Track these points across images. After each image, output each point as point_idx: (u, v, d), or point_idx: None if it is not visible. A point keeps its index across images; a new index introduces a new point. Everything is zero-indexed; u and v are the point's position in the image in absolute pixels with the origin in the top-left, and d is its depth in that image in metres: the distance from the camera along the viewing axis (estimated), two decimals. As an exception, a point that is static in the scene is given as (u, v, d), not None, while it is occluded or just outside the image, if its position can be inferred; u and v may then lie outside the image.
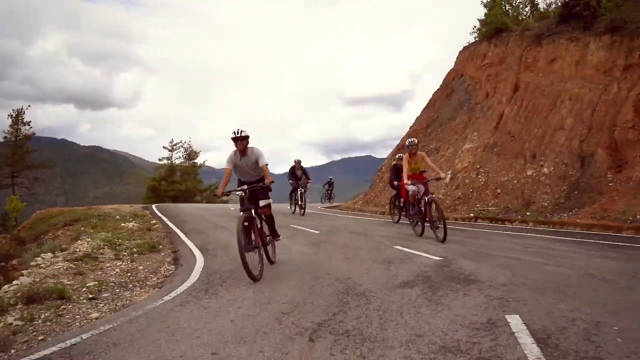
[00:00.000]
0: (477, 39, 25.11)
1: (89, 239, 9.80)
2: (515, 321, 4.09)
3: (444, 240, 8.73)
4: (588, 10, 17.26)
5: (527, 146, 16.11)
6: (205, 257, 8.19)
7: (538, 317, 4.21)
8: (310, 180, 16.55)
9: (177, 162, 39.83)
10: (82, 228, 11.82)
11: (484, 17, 24.90)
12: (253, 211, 6.32)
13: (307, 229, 11.97)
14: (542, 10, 24.24)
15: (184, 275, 6.93)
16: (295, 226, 12.61)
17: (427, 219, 9.28)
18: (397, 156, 14.23)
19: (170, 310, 4.96)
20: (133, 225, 12.49)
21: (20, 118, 38.49)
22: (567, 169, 14.39)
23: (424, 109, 24.90)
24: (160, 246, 9.76)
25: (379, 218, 16.80)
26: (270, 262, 6.98)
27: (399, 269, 6.68)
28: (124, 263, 8.00)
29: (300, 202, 16.28)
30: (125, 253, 8.66)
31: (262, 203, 6.58)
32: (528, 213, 13.79)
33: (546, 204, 13.94)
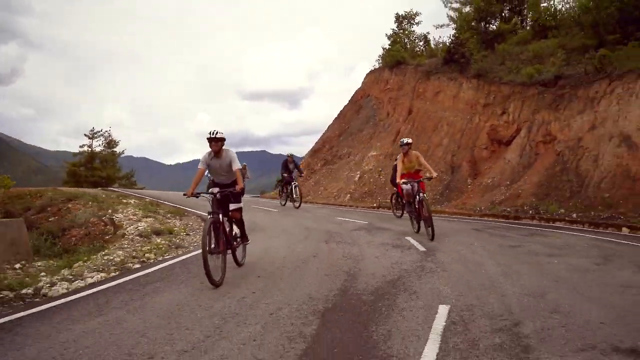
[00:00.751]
0: (381, 65, 31.16)
1: (130, 209, 13.45)
2: (409, 238, 9.22)
3: (432, 239, 9.14)
4: (463, 58, 23.72)
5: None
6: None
7: (417, 237, 9.38)
8: (302, 174, 17.44)
9: (98, 149, 41.25)
10: (96, 203, 15.08)
11: (388, 47, 31.10)
12: (221, 215, 6.27)
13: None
14: (432, 47, 30.95)
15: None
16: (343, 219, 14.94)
17: (421, 216, 9.68)
18: (398, 156, 15.98)
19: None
20: (135, 202, 15.97)
21: None
22: (442, 175, 20.41)
23: (336, 119, 30.30)
24: (185, 213, 13.72)
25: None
26: (238, 264, 6.97)
27: (349, 224, 11.62)
28: (177, 220, 12.03)
29: (295, 196, 16.73)
30: (169, 215, 12.60)
31: (232, 207, 6.60)
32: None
33: (429, 196, 19.79)
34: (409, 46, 31.35)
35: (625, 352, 3.72)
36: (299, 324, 4.46)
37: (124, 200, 16.24)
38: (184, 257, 7.98)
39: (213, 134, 6.31)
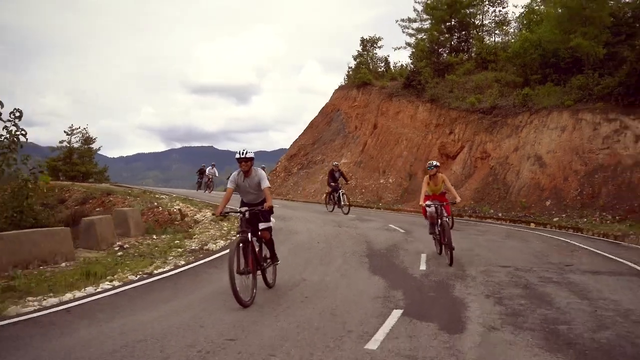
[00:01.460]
0: (346, 82, 36.38)
1: (177, 202, 17.70)
2: (391, 225, 14.29)
3: (450, 263, 8.93)
4: (420, 85, 29.18)
5: (380, 165, 27.27)
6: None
7: (397, 223, 14.46)
8: (348, 182, 18.81)
9: (75, 145, 44.01)
10: (132, 197, 19.13)
11: (354, 66, 36.37)
12: (250, 234, 6.25)
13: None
14: (392, 69, 36.42)
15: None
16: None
17: (441, 240, 9.57)
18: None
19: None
20: (165, 196, 20.09)
21: None
22: (402, 181, 25.72)
23: (308, 127, 35.19)
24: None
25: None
26: (268, 286, 6.87)
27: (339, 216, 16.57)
28: None
29: (342, 202, 17.70)
30: (210, 208, 16.71)
31: (262, 226, 6.57)
32: (380, 204, 24.69)
33: (390, 199, 25.07)
34: (371, 67, 36.73)
35: (504, 267, 8.86)
36: (360, 258, 9.36)
37: (156, 195, 20.41)
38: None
39: (243, 154, 6.36)
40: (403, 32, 37.75)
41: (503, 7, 35.43)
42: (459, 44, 36.18)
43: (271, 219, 6.82)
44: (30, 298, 6.31)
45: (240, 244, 6.03)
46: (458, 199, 10.05)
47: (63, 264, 8.90)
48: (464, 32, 36.11)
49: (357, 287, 7.08)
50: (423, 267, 8.74)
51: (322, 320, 5.33)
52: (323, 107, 35.64)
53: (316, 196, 27.04)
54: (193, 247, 10.28)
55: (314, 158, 30.55)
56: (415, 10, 36.43)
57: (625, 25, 24.76)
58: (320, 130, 33.19)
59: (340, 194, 17.79)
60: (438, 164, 10.47)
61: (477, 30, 36.28)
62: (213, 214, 8.48)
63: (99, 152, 46.11)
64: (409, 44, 37.65)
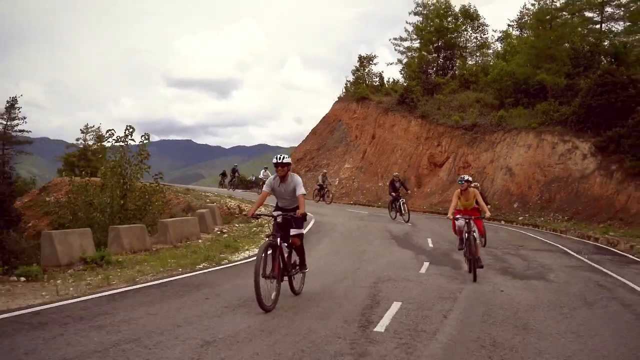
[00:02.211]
0: (344, 94, 41.67)
1: (228, 199, 22.64)
2: (400, 219, 19.63)
3: (474, 279, 8.92)
4: (412, 102, 34.62)
5: (378, 170, 32.60)
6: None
7: (406, 217, 19.83)
8: (408, 191, 20.26)
9: (90, 142, 48.34)
10: (188, 196, 23.97)
11: (353, 80, 41.68)
12: (279, 239, 6.34)
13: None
14: (386, 85, 41.84)
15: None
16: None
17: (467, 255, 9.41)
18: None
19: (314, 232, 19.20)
20: (210, 194, 24.95)
21: None
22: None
23: (311, 134, 40.36)
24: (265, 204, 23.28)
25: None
26: (294, 292, 6.94)
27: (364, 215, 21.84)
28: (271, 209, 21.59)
29: (403, 211, 18.90)
30: None
31: (293, 232, 6.64)
32: (379, 203, 30.04)
33: (388, 199, 30.43)
34: (368, 82, 42.08)
35: (482, 247, 14.25)
36: (389, 240, 14.64)
37: (203, 194, 25.32)
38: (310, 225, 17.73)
39: (280, 159, 6.45)
40: (395, 49, 43.49)
41: (483, 34, 41.49)
42: (445, 62, 41.92)
43: (303, 225, 6.89)
44: (222, 256, 11.38)
45: (269, 249, 6.14)
46: (487, 214, 9.88)
47: (199, 241, 13.94)
48: (449, 52, 41.86)
49: (397, 254, 12.31)
50: (431, 245, 14.04)
51: (390, 267, 10.47)
52: (325, 117, 40.87)
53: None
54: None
55: (319, 162, 35.74)
56: (406, 30, 42.11)
57: (583, 58, 30.60)
58: (324, 137, 38.40)
59: (401, 203, 19.16)
60: (470, 178, 10.08)
61: (461, 51, 42.04)
62: (245, 215, 7.05)
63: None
64: (400, 61, 43.34)
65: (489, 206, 15.30)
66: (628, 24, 35.12)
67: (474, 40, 41.93)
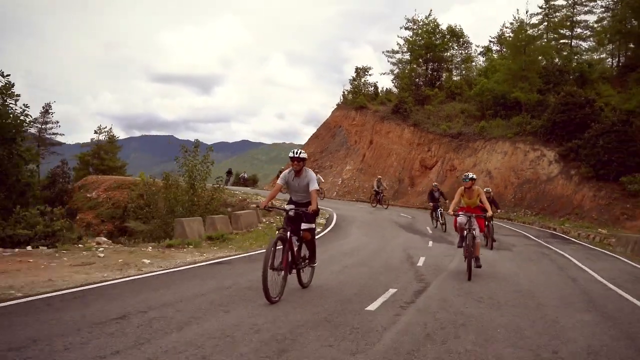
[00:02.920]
0: (343, 102, 46.81)
1: (257, 196, 27.56)
2: (403, 214, 24.88)
3: (469, 278, 8.96)
4: (405, 111, 39.89)
5: (377, 172, 37.80)
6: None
7: (403, 213, 25.06)
8: (447, 200, 20.10)
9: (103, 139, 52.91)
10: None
11: (351, 89, 46.83)
12: (289, 233, 6.58)
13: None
14: (380, 94, 47.07)
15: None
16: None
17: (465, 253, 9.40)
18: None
19: (333, 229, 24.29)
20: (237, 192, 29.77)
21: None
22: (393, 184, 36.33)
23: (314, 137, 45.37)
24: None
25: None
26: (302, 286, 7.20)
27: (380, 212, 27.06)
28: None
29: (442, 221, 19.65)
30: None
31: (304, 226, 6.87)
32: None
33: (386, 197, 35.70)
34: (364, 91, 47.25)
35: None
36: (399, 228, 19.80)
37: (229, 191, 30.15)
38: (326, 230, 22.83)
39: (296, 154, 6.74)
40: (388, 61, 48.85)
41: (467, 51, 47.07)
42: (433, 73, 47.35)
43: (316, 220, 7.13)
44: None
45: (278, 242, 6.31)
46: (489, 213, 9.75)
47: (259, 227, 18.90)
48: (436, 64, 47.29)
49: (408, 236, 17.40)
50: (430, 231, 19.19)
51: (408, 243, 15.57)
52: (325, 122, 45.97)
53: (327, 194, 37.32)
54: (319, 220, 20.56)
55: (323, 164, 40.79)
56: (398, 44, 47.49)
57: (553, 76, 36.20)
58: (326, 141, 43.48)
59: (439, 213, 19.93)
60: (474, 176, 10.03)
61: (447, 64, 47.49)
62: (257, 206, 9.14)
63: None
64: (392, 71, 48.70)
65: (500, 211, 17.93)
66: (592, 43, 41.14)
67: (459, 54, 47.50)
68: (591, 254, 15.28)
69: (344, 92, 48.24)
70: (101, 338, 4.60)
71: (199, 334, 4.87)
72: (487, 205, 9.84)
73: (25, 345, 4.27)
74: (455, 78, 46.35)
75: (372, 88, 47.88)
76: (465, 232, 9.46)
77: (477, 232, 9.46)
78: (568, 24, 42.30)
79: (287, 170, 7.02)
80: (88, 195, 33.63)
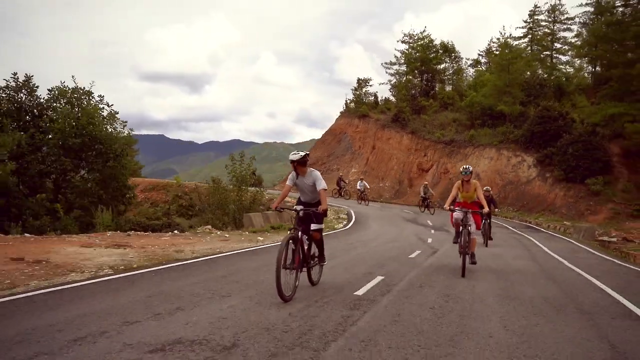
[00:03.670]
0: (346, 110, 52.28)
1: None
2: (406, 210, 30.42)
3: (462, 274, 9.10)
4: (403, 120, 45.42)
5: (379, 174, 43.29)
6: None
7: (406, 210, 30.60)
8: (497, 209, 23.91)
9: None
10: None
11: (353, 99, 52.34)
12: (300, 232, 6.79)
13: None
14: (380, 104, 52.60)
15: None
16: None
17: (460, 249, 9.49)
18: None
19: (350, 227, 29.75)
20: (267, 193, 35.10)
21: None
22: (394, 185, 41.80)
23: (320, 142, 50.75)
24: None
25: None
26: (312, 283, 7.47)
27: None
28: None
29: (430, 211, 29.58)
30: None
31: (313, 227, 7.10)
32: (381, 200, 40.71)
33: (387, 196, 41.19)
34: (365, 100, 52.78)
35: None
36: (405, 221, 25.29)
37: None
38: (347, 227, 28.26)
39: (294, 157, 6.94)
40: (386, 72, 54.45)
41: (458, 63, 52.79)
42: (427, 84, 52.95)
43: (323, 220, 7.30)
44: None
45: (290, 241, 6.54)
46: (486, 209, 9.78)
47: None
48: (430, 75, 52.92)
49: (415, 227, 22.83)
50: (431, 223, 24.67)
51: (417, 231, 21.07)
52: (331, 129, 51.43)
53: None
54: (341, 216, 25.98)
55: (330, 167, 46.20)
56: (395, 56, 53.06)
57: (534, 88, 41.93)
58: (332, 146, 48.90)
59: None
60: (472, 169, 10.15)
61: (440, 76, 53.15)
62: (269, 208, 8.28)
63: None
64: (389, 81, 54.29)
65: (497, 209, 23.47)
66: (568, 58, 47.00)
67: (451, 67, 53.20)
68: (550, 238, 20.86)
69: (346, 101, 53.87)
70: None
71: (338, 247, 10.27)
72: (484, 202, 9.82)
73: (230, 273, 9.24)
74: (447, 88, 52.05)
75: (373, 97, 53.49)
76: (461, 227, 9.50)
77: (472, 228, 9.50)
78: (549, 39, 48.09)
79: (293, 172, 7.22)
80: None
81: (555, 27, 47.98)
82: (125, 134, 22.10)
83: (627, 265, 13.61)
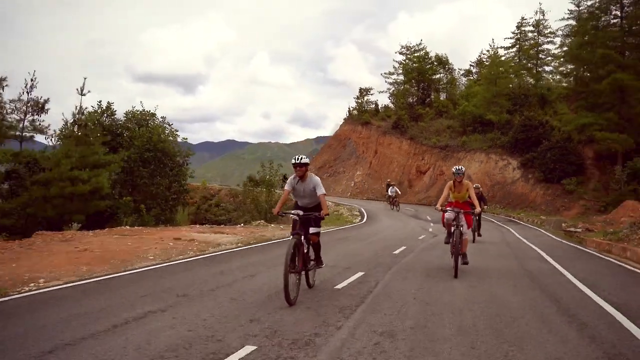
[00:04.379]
0: (350, 117, 57.83)
1: None
2: (408, 208, 36.01)
3: (455, 275, 9.09)
4: (403, 127, 50.97)
5: (381, 176, 48.77)
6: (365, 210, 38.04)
7: (407, 207, 36.17)
8: (486, 206, 21.05)
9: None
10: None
11: (356, 107, 57.92)
12: (302, 237, 7.00)
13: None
14: (381, 111, 58.15)
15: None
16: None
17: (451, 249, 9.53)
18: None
19: (362, 224, 35.24)
20: None
21: None
22: (397, 186, 47.37)
23: (326, 147, 56.25)
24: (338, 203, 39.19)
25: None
26: (309, 286, 7.68)
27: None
28: (344, 209, 37.54)
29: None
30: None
31: (312, 230, 7.28)
32: (382, 199, 46.19)
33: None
34: (367, 108, 58.36)
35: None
36: (408, 216, 30.79)
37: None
38: (362, 222, 33.72)
39: (298, 160, 7.14)
40: (385, 81, 60.10)
41: (451, 74, 58.49)
42: (423, 92, 58.60)
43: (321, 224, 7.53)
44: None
45: (294, 246, 6.67)
46: (477, 209, 9.96)
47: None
48: (426, 84, 58.58)
49: (417, 222, 28.26)
50: (430, 218, 30.13)
51: (419, 223, 26.53)
52: (336, 134, 57.03)
53: (343, 194, 48.25)
54: (354, 212, 31.49)
55: (337, 170, 51.70)
56: (394, 67, 58.70)
57: (519, 98, 47.60)
58: (338, 151, 54.40)
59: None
60: (464, 169, 10.31)
61: (435, 85, 58.83)
62: (271, 213, 8.64)
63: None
64: (388, 90, 59.91)
65: (486, 207, 28.23)
66: (552, 68, 52.68)
67: (445, 78, 58.89)
68: (525, 229, 26.40)
69: (349, 109, 59.45)
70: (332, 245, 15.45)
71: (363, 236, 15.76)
72: (476, 202, 9.90)
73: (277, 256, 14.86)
74: (442, 96, 57.74)
75: (374, 105, 59.10)
76: (452, 228, 9.53)
77: (464, 228, 9.58)
78: (534, 51, 53.71)
79: (292, 176, 7.35)
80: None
81: (540, 40, 53.61)
82: (185, 148, 27.46)
83: (569, 243, 19.14)
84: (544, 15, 52.39)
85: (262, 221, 23.09)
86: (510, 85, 48.54)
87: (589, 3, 41.47)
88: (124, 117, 24.87)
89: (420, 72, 55.98)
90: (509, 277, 9.61)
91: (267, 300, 6.79)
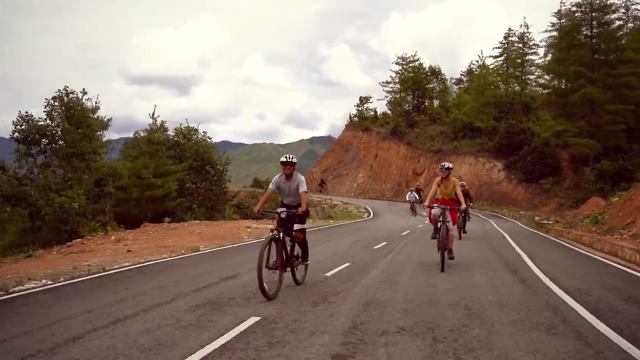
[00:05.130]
0: (351, 123, 63.60)
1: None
2: (405, 206, 41.95)
3: (442, 269, 9.44)
4: (400, 133, 56.74)
5: (382, 178, 54.49)
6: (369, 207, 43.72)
7: (405, 206, 42.15)
8: (471, 203, 23.83)
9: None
10: None
11: (356, 114, 63.70)
12: (282, 234, 7.13)
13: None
14: (379, 118, 63.92)
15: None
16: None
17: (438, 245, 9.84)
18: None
19: (367, 220, 40.98)
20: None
21: None
22: (394, 186, 53.00)
23: (330, 152, 61.92)
24: (348, 202, 44.83)
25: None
26: (297, 283, 7.79)
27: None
28: (352, 207, 43.30)
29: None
30: (342, 204, 43.40)
31: (296, 227, 7.45)
32: (383, 199, 51.93)
33: (388, 195, 52.45)
34: (366, 115, 64.14)
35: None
36: (405, 212, 36.60)
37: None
38: (369, 217, 39.45)
39: (289, 158, 7.37)
40: (383, 89, 65.99)
41: (443, 83, 64.41)
42: (418, 100, 64.47)
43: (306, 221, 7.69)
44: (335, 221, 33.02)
45: (271, 242, 6.88)
46: (463, 206, 10.21)
47: (337, 213, 35.43)
48: (420, 92, 64.47)
49: (415, 218, 34.03)
50: (424, 214, 35.86)
51: (416, 220, 32.23)
52: (338, 139, 62.70)
53: (347, 194, 53.97)
54: (361, 210, 37.26)
55: (341, 172, 57.39)
56: (391, 76, 64.51)
57: (505, 106, 53.48)
58: (341, 155, 60.09)
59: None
60: (451, 165, 10.48)
61: (429, 93, 64.72)
62: (252, 211, 9.48)
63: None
64: (386, 97, 65.73)
65: (472, 204, 33.58)
66: (534, 76, 58.47)
67: (438, 86, 64.77)
68: (503, 221, 32.09)
69: (350, 115, 65.24)
70: (346, 234, 21.23)
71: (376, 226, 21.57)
72: (462, 199, 10.15)
73: (356, 228, 20.55)
74: (435, 103, 63.63)
75: (373, 112, 64.92)
76: (439, 224, 9.79)
77: (450, 224, 9.82)
78: (519, 61, 59.53)
79: (278, 175, 7.61)
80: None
81: (524, 50, 59.40)
82: (225, 157, 32.92)
83: (532, 230, 24.80)
84: (527, 28, 58.26)
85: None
86: (497, 94, 54.34)
87: (563, 22, 47.45)
88: (173, 132, 30.40)
89: (416, 81, 61.76)
90: (477, 247, 15.32)
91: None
